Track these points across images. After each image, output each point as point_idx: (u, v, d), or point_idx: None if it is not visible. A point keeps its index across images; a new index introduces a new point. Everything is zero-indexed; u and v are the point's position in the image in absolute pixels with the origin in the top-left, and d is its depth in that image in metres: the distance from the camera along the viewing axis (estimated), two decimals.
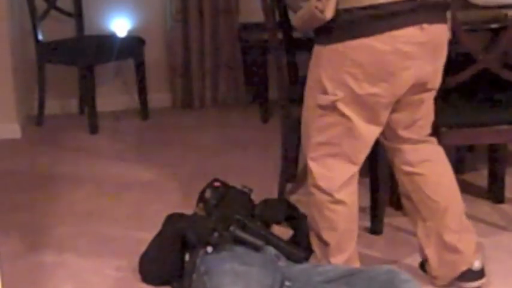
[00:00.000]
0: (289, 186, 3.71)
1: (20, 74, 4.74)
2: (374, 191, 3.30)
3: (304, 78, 3.84)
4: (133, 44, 4.89)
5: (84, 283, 2.99)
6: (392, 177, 3.44)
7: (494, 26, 3.16)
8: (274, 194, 3.53)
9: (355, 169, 2.70)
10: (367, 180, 3.33)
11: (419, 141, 2.80)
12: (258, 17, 3.57)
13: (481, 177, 3.64)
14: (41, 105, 4.82)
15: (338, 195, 2.68)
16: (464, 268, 2.83)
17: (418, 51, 2.54)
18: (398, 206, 3.50)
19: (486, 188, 3.62)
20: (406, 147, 2.79)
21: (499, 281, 2.93)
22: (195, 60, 5.08)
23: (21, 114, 4.73)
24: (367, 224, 3.32)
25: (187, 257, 2.84)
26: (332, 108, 2.60)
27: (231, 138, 4.57)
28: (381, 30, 2.49)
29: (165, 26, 5.11)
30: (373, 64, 2.52)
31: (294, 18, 2.71)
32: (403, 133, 2.75)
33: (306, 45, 4.26)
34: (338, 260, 2.75)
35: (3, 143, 4.49)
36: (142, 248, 2.99)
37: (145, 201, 3.71)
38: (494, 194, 3.58)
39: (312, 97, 2.67)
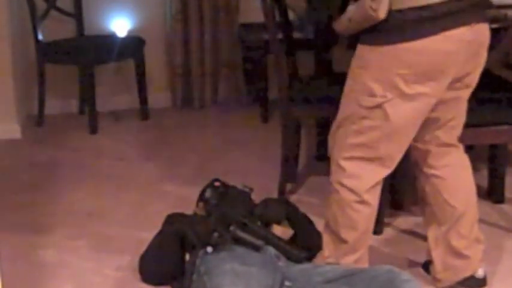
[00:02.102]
0: (289, 186, 3.71)
1: (20, 74, 4.74)
2: None
3: (305, 78, 3.86)
4: (133, 44, 4.89)
5: (84, 283, 2.99)
6: (392, 177, 3.45)
7: (494, 26, 3.16)
8: (274, 194, 3.54)
9: (387, 172, 2.70)
10: None
11: (446, 144, 2.78)
12: (258, 17, 3.57)
13: (481, 177, 3.64)
14: (41, 105, 4.82)
15: (366, 196, 2.68)
16: (467, 274, 2.84)
17: (465, 50, 2.55)
18: (398, 206, 3.51)
19: (486, 188, 3.62)
20: (432, 148, 2.78)
21: (499, 281, 2.93)
22: (195, 60, 5.08)
23: (21, 114, 4.73)
24: None
25: (187, 257, 2.84)
26: (377, 110, 2.58)
27: (231, 138, 4.57)
28: (435, 31, 2.49)
29: (165, 26, 5.11)
30: (424, 64, 2.52)
31: (339, 22, 2.65)
32: (434, 133, 2.75)
33: (306, 45, 4.29)
34: (350, 259, 2.75)
35: (3, 143, 4.49)
36: (142, 248, 3.00)
37: (145, 201, 3.71)
38: (494, 194, 3.58)
39: (354, 98, 2.62)
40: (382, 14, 2.46)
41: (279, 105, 3.57)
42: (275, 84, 3.68)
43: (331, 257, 2.78)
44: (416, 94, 2.55)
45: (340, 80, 3.66)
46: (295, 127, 3.75)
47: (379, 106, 2.57)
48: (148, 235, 3.03)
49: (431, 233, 2.86)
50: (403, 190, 3.47)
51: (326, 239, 2.81)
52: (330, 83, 3.63)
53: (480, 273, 2.86)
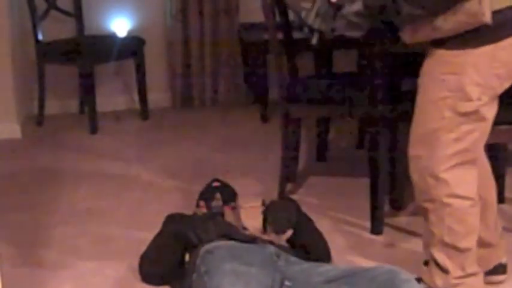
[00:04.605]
0: (289, 186, 3.71)
1: (20, 74, 4.74)
2: (374, 191, 3.30)
3: (304, 78, 3.85)
4: (134, 44, 4.89)
5: (85, 283, 2.99)
6: (392, 177, 3.45)
7: None
8: (274, 194, 3.53)
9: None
10: (367, 180, 3.33)
11: None
12: (258, 17, 3.57)
13: None
14: (41, 105, 4.82)
15: (476, 197, 2.67)
16: (496, 262, 2.86)
17: None
18: (398, 206, 3.51)
19: None
20: None
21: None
22: (195, 60, 5.08)
23: (21, 114, 4.73)
24: (367, 224, 3.32)
25: (187, 257, 2.84)
26: (474, 114, 2.56)
27: (231, 138, 4.57)
28: None
29: (165, 26, 5.11)
30: None
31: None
32: None
33: (306, 45, 4.28)
34: (474, 268, 2.71)
35: (3, 143, 4.49)
36: (142, 248, 3.00)
37: (145, 201, 3.71)
38: None
39: (447, 106, 2.57)
40: (488, 17, 2.44)
41: (279, 105, 3.57)
42: (275, 84, 3.68)
43: (457, 272, 2.69)
44: (502, 91, 2.59)
45: (339, 80, 3.68)
46: (295, 127, 3.75)
47: (476, 110, 2.56)
48: (148, 235, 3.03)
49: None
50: (403, 190, 3.47)
51: (442, 259, 2.69)
52: (330, 83, 3.64)
53: (505, 258, 2.88)
